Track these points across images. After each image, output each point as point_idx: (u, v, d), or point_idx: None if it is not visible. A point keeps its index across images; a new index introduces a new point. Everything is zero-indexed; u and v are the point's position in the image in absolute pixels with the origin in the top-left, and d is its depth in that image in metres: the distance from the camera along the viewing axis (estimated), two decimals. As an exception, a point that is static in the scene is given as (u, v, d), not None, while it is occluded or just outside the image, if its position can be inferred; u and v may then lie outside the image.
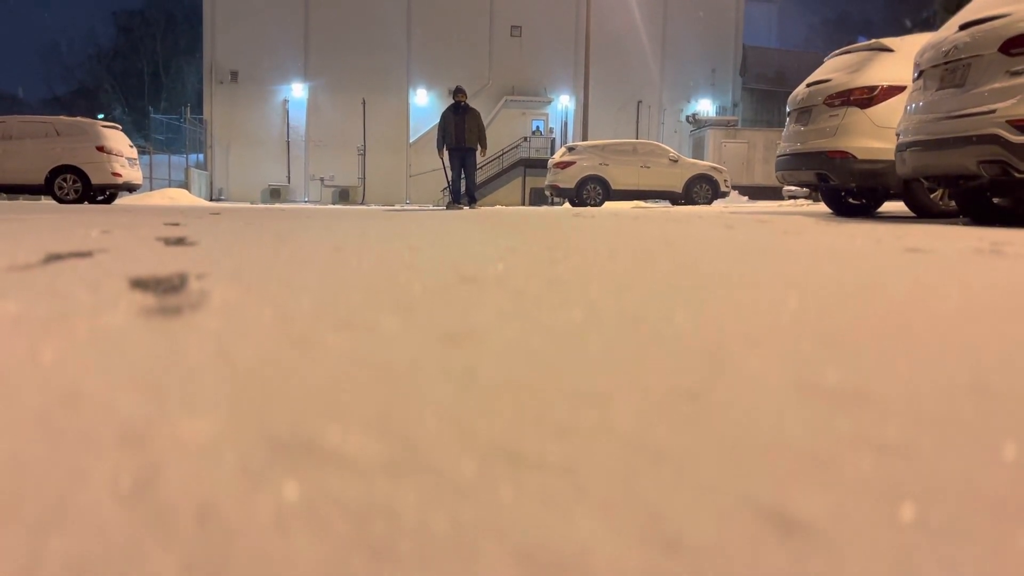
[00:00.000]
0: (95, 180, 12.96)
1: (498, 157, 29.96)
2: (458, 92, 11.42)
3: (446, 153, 11.25)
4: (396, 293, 1.56)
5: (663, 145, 17.99)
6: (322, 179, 32.04)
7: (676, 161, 17.00)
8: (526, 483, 0.55)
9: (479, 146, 11.29)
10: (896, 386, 0.81)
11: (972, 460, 0.60)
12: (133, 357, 0.94)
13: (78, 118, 13.85)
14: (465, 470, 0.57)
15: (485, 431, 0.66)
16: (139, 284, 1.68)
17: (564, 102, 33.37)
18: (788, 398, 0.77)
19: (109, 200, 14.04)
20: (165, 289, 1.62)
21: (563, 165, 16.49)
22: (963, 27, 5.26)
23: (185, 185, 26.14)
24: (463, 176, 11.41)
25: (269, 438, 0.64)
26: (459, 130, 11.16)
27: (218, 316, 1.25)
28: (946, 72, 5.35)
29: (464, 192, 11.52)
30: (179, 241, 3.09)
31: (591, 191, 16.34)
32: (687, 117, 33.10)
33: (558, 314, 1.29)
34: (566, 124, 33.29)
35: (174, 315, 1.29)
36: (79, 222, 4.87)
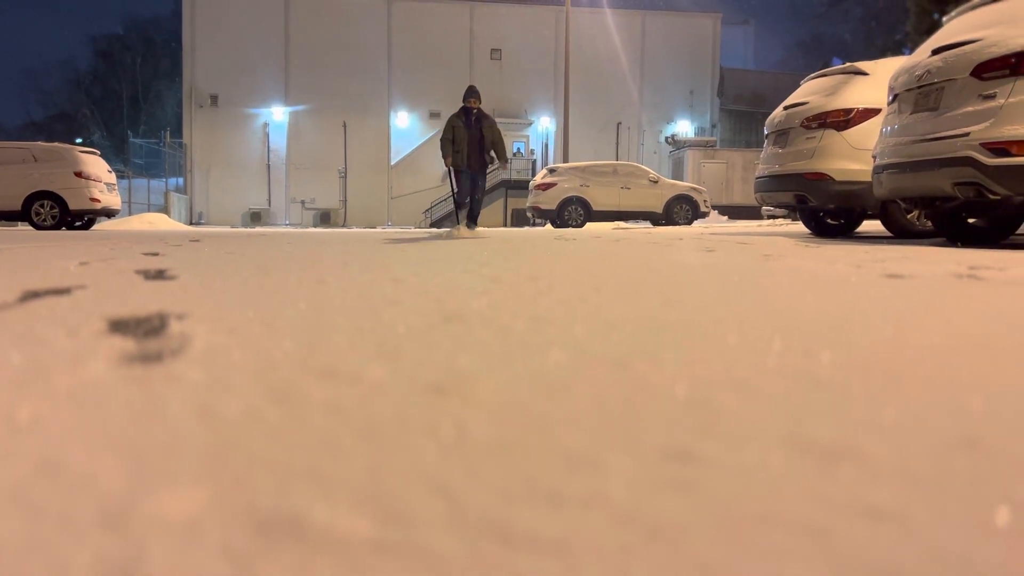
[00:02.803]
0: (73, 206, 12.86)
1: (480, 178, 30.02)
2: (470, 95, 8.40)
3: (453, 168, 8.51)
4: (381, 334, 1.55)
5: (643, 166, 18.13)
6: (303, 202, 31.99)
7: (656, 182, 17.15)
8: (519, 564, 0.54)
9: (500, 161, 8.64)
10: (887, 440, 0.81)
11: (966, 528, 0.60)
12: (114, 417, 0.92)
13: (56, 143, 13.75)
14: (455, 551, 0.56)
15: (475, 503, 0.65)
16: (118, 327, 1.65)
17: (545, 124, 33.61)
18: (779, 457, 0.76)
19: (87, 226, 13.91)
20: (146, 332, 1.60)
21: (544, 187, 16.58)
22: (936, 52, 5.36)
23: (164, 209, 25.98)
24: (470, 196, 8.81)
25: (253, 514, 0.63)
26: (473, 147, 8.34)
27: (200, 365, 1.23)
28: (920, 96, 5.44)
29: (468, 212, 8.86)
30: (159, 274, 3.05)
31: (572, 212, 16.43)
32: (666, 138, 33.47)
33: (545, 358, 1.28)
34: (547, 146, 33.51)
35: (155, 362, 1.27)
36: (57, 253, 4.81)
